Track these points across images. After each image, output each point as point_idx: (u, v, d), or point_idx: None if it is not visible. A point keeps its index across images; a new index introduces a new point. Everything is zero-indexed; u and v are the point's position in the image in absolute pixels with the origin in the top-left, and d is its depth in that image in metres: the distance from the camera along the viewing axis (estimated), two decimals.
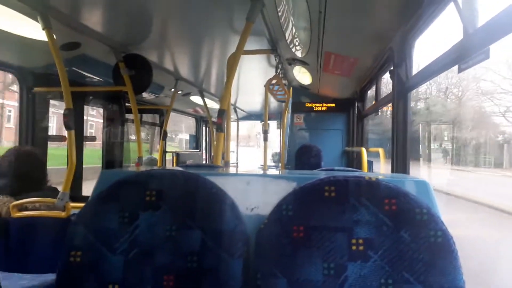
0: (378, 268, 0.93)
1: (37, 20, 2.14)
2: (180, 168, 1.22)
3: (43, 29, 2.15)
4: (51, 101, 3.33)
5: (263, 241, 1.00)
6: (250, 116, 8.53)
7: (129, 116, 4.30)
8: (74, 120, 2.38)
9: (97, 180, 1.24)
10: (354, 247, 0.95)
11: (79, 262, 1.03)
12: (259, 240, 1.01)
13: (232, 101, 6.70)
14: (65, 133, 2.44)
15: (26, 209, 2.12)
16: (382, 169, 4.18)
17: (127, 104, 4.20)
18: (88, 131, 12.81)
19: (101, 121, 4.49)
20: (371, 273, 0.93)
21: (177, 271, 1.01)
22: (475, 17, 1.62)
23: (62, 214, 2.12)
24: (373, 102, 4.11)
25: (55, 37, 2.25)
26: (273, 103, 6.28)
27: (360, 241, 0.95)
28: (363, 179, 1.00)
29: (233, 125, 8.79)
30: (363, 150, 4.39)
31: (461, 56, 1.64)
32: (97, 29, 2.61)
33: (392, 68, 2.62)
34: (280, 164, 4.91)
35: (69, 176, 2.31)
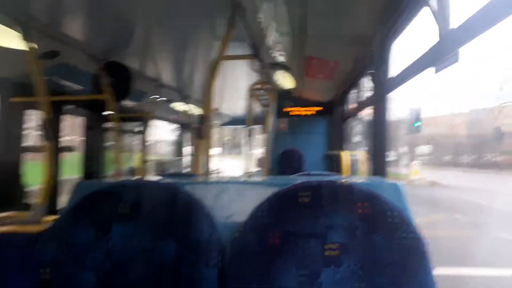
0: (351, 272, 0.93)
1: (15, 30, 2.09)
2: (156, 178, 1.21)
3: (23, 40, 2.10)
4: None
5: (238, 249, 0.99)
6: (235, 121, 8.49)
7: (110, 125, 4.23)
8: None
9: (71, 192, 1.21)
10: (327, 253, 0.95)
11: (49, 279, 1.00)
12: (234, 248, 1.00)
13: (216, 106, 6.67)
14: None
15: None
16: (363, 171, 4.23)
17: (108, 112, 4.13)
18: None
19: None
20: (345, 278, 0.94)
21: (152, 283, 1.00)
22: (448, 20, 1.67)
23: (37, 228, 2.05)
24: (354, 105, 4.17)
25: (34, 46, 2.21)
26: (257, 107, 6.30)
27: (334, 246, 0.95)
28: (336, 183, 1.01)
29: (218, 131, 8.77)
30: (344, 153, 4.43)
31: (437, 58, 1.68)
32: (77, 37, 2.57)
33: (372, 71, 2.67)
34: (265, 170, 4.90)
35: (45, 188, 2.24)
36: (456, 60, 1.55)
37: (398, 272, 0.91)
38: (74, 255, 1.02)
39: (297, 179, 1.20)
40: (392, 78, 2.40)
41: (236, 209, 1.15)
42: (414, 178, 16.71)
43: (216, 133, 9.48)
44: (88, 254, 1.02)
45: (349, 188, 0.99)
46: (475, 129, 25.94)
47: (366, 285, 0.92)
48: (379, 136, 2.56)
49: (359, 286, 0.92)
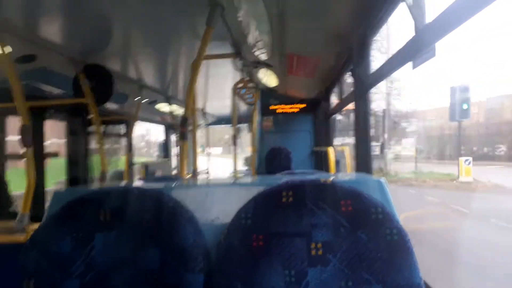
0: (337, 271, 0.94)
1: None
2: (140, 183, 1.20)
3: None
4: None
5: (223, 253, 0.99)
6: (220, 121, 8.47)
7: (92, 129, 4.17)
8: (33, 136, 2.29)
9: (50, 202, 1.20)
10: (313, 252, 0.95)
11: None
12: (219, 252, 1.00)
13: (201, 106, 6.65)
14: None
15: None
16: (348, 167, 4.27)
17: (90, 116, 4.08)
18: None
19: None
20: (331, 277, 0.94)
21: None
22: (424, 15, 1.68)
23: (22, 238, 2.02)
24: (338, 102, 4.19)
25: (8, 50, 2.16)
26: (243, 106, 6.31)
27: (319, 245, 0.95)
28: (319, 182, 1.01)
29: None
30: (330, 149, 4.46)
31: (414, 53, 1.70)
32: (53, 40, 2.53)
33: (352, 68, 2.69)
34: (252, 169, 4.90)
35: (28, 196, 2.20)
36: (433, 55, 1.56)
37: (385, 268, 0.91)
38: (56, 265, 1.00)
39: (282, 178, 1.19)
40: (372, 74, 2.42)
41: (221, 212, 1.13)
42: (467, 180, 12.83)
43: (213, 132, 9.42)
44: (71, 263, 1.00)
45: (331, 186, 1.00)
46: (498, 118, 22.89)
47: (353, 283, 0.92)
48: (361, 132, 2.57)
49: (346, 285, 0.92)
